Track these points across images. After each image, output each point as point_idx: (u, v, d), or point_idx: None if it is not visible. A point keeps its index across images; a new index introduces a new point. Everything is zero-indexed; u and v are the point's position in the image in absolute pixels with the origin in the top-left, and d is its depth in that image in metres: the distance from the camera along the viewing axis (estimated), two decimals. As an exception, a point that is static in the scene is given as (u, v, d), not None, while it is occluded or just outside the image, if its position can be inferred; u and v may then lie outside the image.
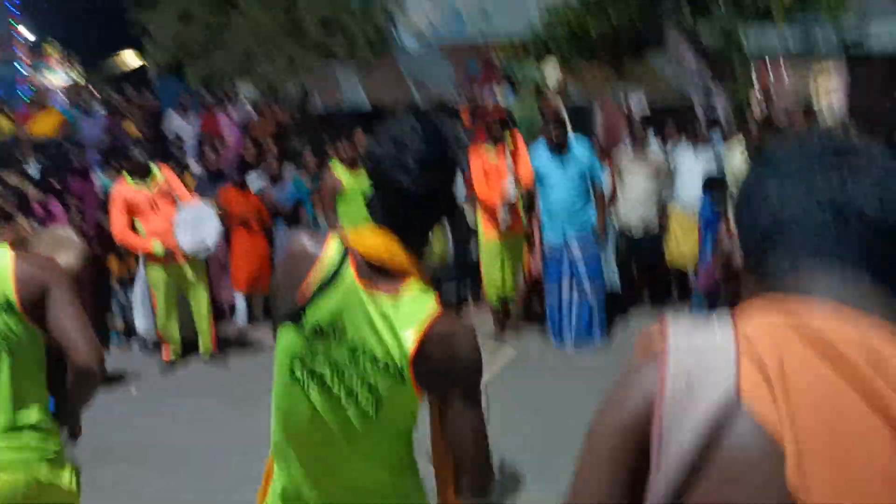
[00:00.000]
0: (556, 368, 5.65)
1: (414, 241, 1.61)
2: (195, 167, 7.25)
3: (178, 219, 5.50)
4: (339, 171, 6.00)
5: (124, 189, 5.53)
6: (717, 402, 0.78)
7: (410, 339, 1.52)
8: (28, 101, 8.81)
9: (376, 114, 8.75)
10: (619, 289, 6.69)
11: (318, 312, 1.57)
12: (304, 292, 1.58)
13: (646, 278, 6.78)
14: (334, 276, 1.57)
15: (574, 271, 5.96)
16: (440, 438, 1.62)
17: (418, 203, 1.57)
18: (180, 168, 6.76)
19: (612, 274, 6.64)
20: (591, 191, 5.97)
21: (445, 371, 1.54)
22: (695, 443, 0.78)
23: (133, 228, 5.55)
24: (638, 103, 10.28)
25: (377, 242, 1.57)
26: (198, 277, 5.76)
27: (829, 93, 12.65)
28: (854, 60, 10.58)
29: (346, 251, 1.59)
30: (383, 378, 1.55)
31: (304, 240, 1.67)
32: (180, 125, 8.37)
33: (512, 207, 5.83)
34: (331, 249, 1.60)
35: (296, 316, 1.59)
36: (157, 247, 5.49)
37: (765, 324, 0.83)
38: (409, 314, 1.53)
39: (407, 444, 1.67)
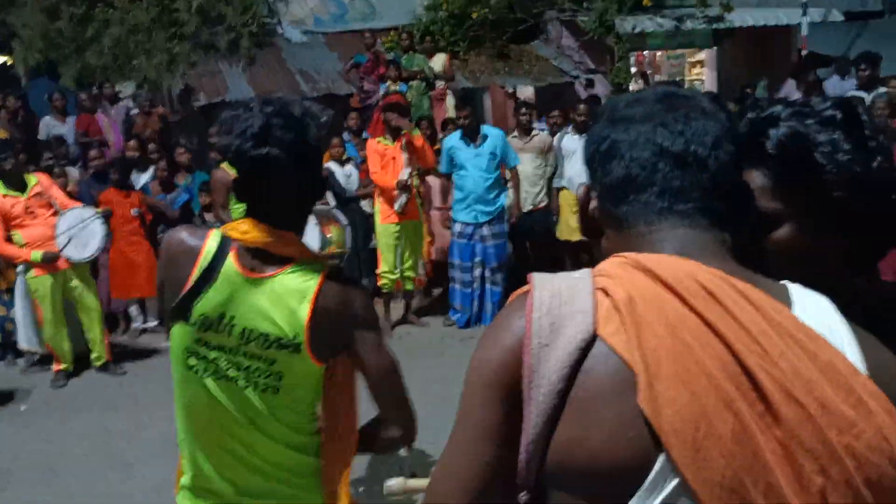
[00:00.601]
0: (457, 349, 5.81)
1: (291, 224, 1.67)
2: (73, 172, 6.92)
3: (60, 225, 5.27)
4: (228, 166, 5.91)
5: None
6: (577, 335, 0.85)
7: (303, 309, 1.59)
8: None
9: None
10: (513, 263, 6.96)
11: (204, 304, 1.62)
12: (188, 287, 1.62)
13: (538, 253, 7.05)
14: (214, 268, 1.62)
15: (483, 255, 6.25)
16: (329, 406, 1.71)
17: (287, 188, 1.61)
18: (60, 171, 6.45)
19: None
20: (502, 177, 6.30)
21: (343, 329, 1.62)
22: (560, 374, 0.84)
23: (9, 239, 5.27)
24: (523, 90, 10.60)
25: (254, 231, 1.61)
26: (85, 284, 5.54)
27: (698, 70, 13.45)
28: (720, 40, 11.30)
29: (227, 242, 1.63)
30: (279, 355, 1.61)
31: (183, 235, 1.69)
32: (56, 127, 7.95)
33: (408, 193, 5.92)
34: (211, 242, 1.64)
35: (183, 310, 1.63)
36: (36, 255, 5.24)
37: (616, 266, 0.91)
38: (297, 288, 1.60)
39: (310, 421, 1.71)
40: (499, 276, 6.31)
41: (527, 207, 6.72)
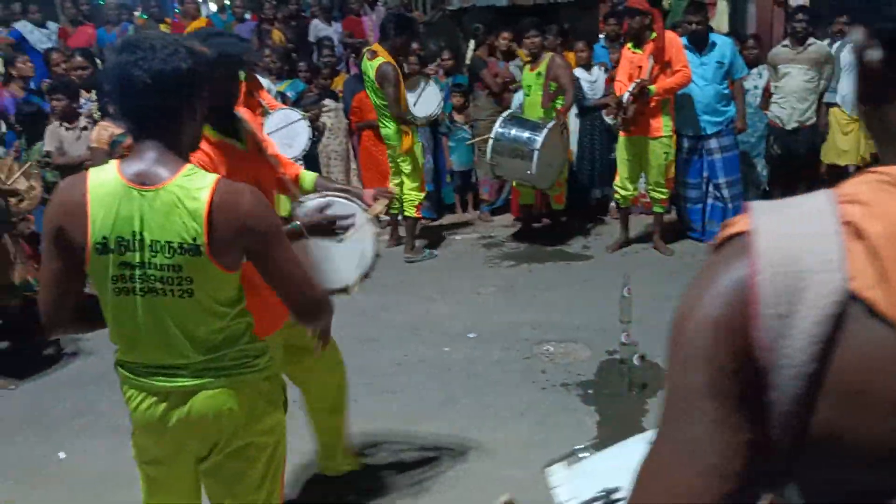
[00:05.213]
0: (696, 267, 5.56)
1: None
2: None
3: (267, 125, 5.37)
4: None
5: None
6: (825, 299, 0.64)
7: None
8: (180, 12, 9.25)
9: (512, 9, 8.55)
10: (766, 186, 6.51)
11: None
12: None
13: (799, 175, 6.43)
14: None
15: (710, 169, 5.93)
16: None
17: None
18: (331, 70, 6.95)
19: (760, 171, 6.48)
20: (730, 89, 5.92)
21: None
22: (809, 354, 0.65)
23: None
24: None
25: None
26: None
27: None
28: None
29: None
30: None
31: None
32: (323, 30, 8.56)
33: (643, 107, 5.52)
34: None
35: None
36: None
37: (870, 187, 0.68)
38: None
39: None
40: (729, 191, 5.92)
41: (791, 125, 6.12)
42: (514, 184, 6.39)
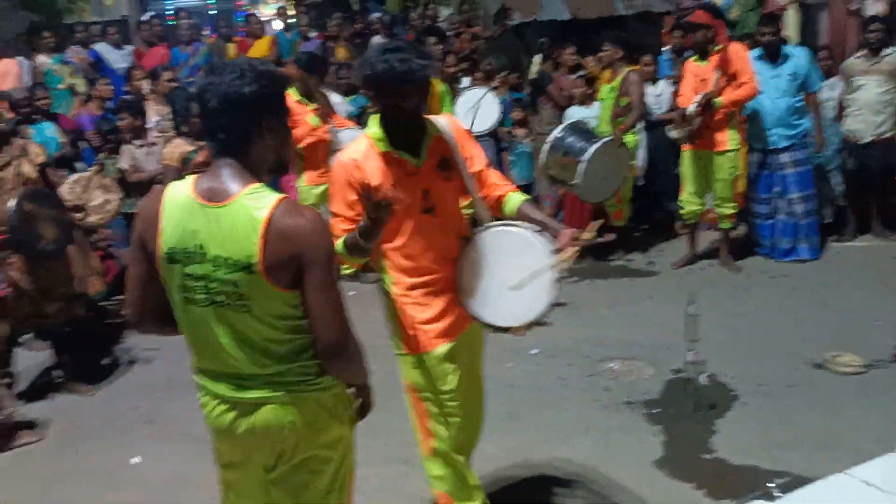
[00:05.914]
0: (765, 286, 5.44)
1: None
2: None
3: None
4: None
5: (289, 100, 5.73)
6: None
7: None
8: (246, 32, 9.52)
9: (574, 23, 8.50)
10: (842, 201, 6.30)
11: None
12: None
13: (875, 190, 6.17)
14: None
15: (783, 184, 5.78)
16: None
17: None
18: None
19: (836, 186, 6.28)
20: (805, 101, 5.78)
21: None
22: None
23: None
24: (872, 5, 9.14)
25: None
26: None
27: None
28: None
29: None
30: None
31: None
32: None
33: (709, 120, 5.43)
34: None
35: None
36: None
37: None
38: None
39: None
40: (803, 207, 5.75)
41: (866, 139, 5.91)
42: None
